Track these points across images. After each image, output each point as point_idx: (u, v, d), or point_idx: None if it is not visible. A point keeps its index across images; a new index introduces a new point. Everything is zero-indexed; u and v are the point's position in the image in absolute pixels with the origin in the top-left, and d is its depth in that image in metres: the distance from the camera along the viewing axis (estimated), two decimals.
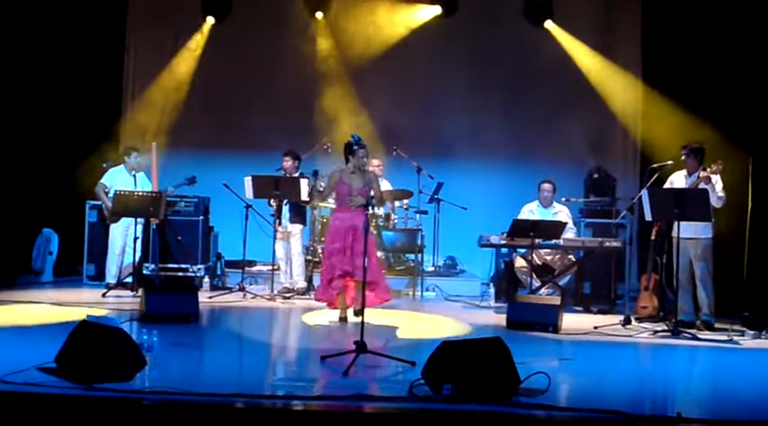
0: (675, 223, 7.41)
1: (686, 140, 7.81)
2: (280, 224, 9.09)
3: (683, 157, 7.66)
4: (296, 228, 9.24)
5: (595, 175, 10.09)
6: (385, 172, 10.22)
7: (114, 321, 5.56)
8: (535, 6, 10.90)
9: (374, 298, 7.29)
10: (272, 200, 9.03)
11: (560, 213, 8.99)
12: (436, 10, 11.11)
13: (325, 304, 7.55)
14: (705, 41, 9.18)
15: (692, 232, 7.51)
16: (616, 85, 10.75)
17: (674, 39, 9.75)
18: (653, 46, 10.40)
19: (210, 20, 11.24)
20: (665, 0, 10.09)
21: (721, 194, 7.34)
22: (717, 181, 7.36)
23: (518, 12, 11.01)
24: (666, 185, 7.76)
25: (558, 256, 8.90)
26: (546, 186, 9.00)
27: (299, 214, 9.27)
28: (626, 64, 10.81)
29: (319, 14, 11.20)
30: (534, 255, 8.55)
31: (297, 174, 9.10)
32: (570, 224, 8.93)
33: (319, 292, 7.59)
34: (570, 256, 8.90)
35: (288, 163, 9.22)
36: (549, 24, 10.88)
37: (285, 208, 9.14)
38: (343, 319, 7.43)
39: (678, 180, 7.74)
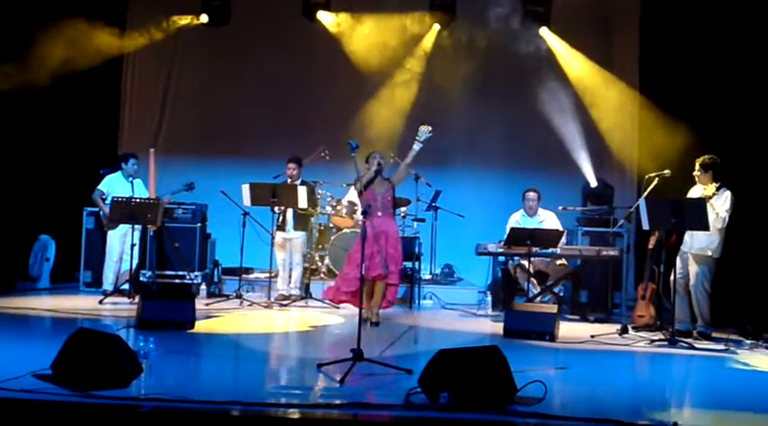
0: (681, 235, 7.37)
1: (683, 151, 7.72)
2: (283, 230, 9.10)
3: (696, 173, 7.56)
4: (298, 235, 9.25)
5: (593, 185, 10.10)
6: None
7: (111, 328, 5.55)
8: (533, 15, 10.92)
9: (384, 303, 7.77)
10: (276, 208, 9.03)
11: (547, 220, 8.86)
12: (435, 28, 11.17)
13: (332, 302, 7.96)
14: (702, 52, 9.22)
15: (687, 246, 7.54)
16: (613, 95, 10.73)
17: (671, 50, 9.79)
18: (650, 56, 10.44)
19: (204, 18, 11.09)
20: (662, 11, 10.13)
21: (723, 215, 7.30)
22: (725, 200, 7.32)
23: (516, 21, 11.02)
24: None
25: (549, 263, 8.84)
26: (530, 195, 8.88)
27: (302, 221, 9.28)
28: (623, 74, 10.81)
29: (320, 14, 11.14)
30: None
31: (299, 182, 9.09)
32: (558, 227, 8.82)
33: (331, 291, 7.84)
34: (563, 261, 8.81)
35: (294, 170, 9.17)
36: (543, 32, 10.87)
37: (289, 215, 9.15)
38: (367, 320, 7.55)
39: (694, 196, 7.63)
